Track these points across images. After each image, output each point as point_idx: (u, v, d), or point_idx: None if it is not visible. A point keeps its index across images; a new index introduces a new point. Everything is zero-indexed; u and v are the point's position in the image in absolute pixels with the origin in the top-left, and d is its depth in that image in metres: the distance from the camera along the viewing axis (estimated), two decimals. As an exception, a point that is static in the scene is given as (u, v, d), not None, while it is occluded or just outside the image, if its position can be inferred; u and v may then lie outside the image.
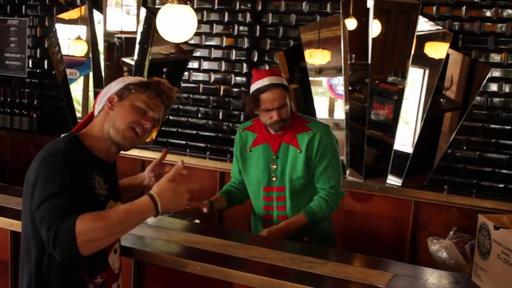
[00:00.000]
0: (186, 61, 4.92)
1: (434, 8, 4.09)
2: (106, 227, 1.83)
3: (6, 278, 2.78)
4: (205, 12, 4.84)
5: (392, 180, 4.16)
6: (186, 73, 4.96)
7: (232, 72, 4.81)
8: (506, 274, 2.01)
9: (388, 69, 4.19)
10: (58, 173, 1.88)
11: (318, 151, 2.88)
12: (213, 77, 4.89)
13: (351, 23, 4.15)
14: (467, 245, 2.44)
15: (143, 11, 4.86)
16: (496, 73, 3.98)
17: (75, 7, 5.21)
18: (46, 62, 5.50)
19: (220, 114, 4.87)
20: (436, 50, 4.03)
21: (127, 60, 5.02)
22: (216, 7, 4.80)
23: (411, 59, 4.05)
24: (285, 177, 2.91)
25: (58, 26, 5.26)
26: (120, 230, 1.91)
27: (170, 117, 5.04)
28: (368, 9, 4.15)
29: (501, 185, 4.01)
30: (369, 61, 4.13)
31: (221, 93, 4.86)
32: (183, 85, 4.97)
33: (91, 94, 5.13)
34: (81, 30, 5.05)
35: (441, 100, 4.09)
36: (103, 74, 5.04)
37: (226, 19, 4.78)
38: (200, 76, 4.93)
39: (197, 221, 2.92)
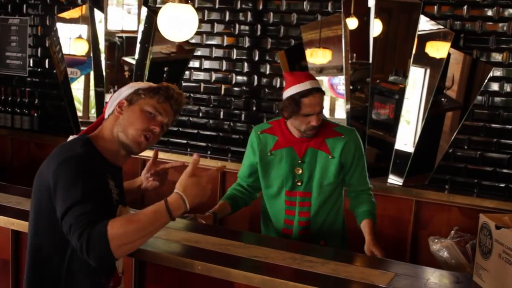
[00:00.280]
0: (187, 60, 4.92)
1: (435, 7, 4.09)
2: (137, 230, 1.86)
3: (7, 277, 2.79)
4: (206, 11, 4.84)
5: (393, 180, 4.15)
6: (187, 72, 4.95)
7: (233, 71, 4.81)
8: (507, 273, 2.01)
9: (389, 69, 4.19)
10: (79, 178, 1.89)
11: (354, 157, 2.85)
12: (214, 76, 4.88)
13: (352, 22, 4.15)
14: (468, 245, 2.44)
15: (144, 10, 4.86)
16: (498, 72, 3.98)
17: (76, 6, 5.21)
18: (47, 61, 5.50)
19: (221, 113, 4.87)
20: (437, 49, 4.02)
21: (128, 59, 5.02)
22: (217, 6, 4.80)
23: (412, 58, 4.04)
24: (313, 183, 2.84)
25: (59, 25, 5.26)
26: (151, 232, 1.93)
27: (171, 116, 5.03)
28: (369, 8, 4.15)
29: (502, 185, 4.01)
30: (370, 61, 4.13)
31: (222, 92, 4.86)
32: (184, 84, 4.97)
33: (92, 93, 5.13)
34: (82, 29, 5.05)
35: (442, 99, 4.08)
36: (104, 73, 5.05)
37: (227, 18, 4.78)
38: (201, 75, 4.93)
39: (202, 221, 2.88)
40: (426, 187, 4.09)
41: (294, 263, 2.33)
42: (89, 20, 5.07)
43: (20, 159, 5.28)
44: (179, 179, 2.00)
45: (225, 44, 4.82)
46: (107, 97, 5.00)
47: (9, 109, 5.43)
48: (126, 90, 2.13)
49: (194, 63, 4.94)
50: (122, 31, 5.01)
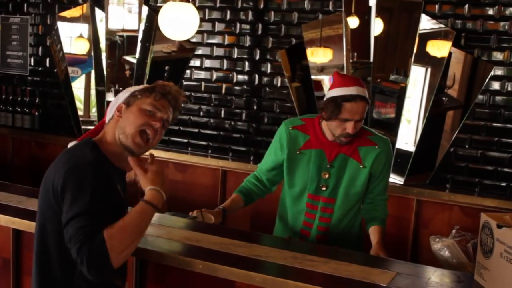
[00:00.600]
0: (188, 59, 4.92)
1: (436, 6, 4.08)
2: (130, 233, 1.92)
3: (8, 276, 2.79)
4: (207, 10, 4.84)
5: (394, 179, 4.15)
6: (188, 71, 4.95)
7: (234, 70, 4.81)
8: (508, 272, 2.01)
9: (390, 68, 4.18)
10: (88, 187, 1.90)
11: (384, 169, 2.82)
12: (215, 75, 4.88)
13: (353, 21, 4.14)
14: (469, 244, 2.43)
15: (145, 9, 4.85)
16: (499, 71, 3.97)
17: (77, 5, 5.21)
18: (48, 60, 5.50)
19: (222, 112, 4.86)
20: (439, 48, 4.02)
21: (129, 58, 5.02)
22: (218, 5, 4.80)
23: (413, 57, 4.04)
24: (339, 190, 2.78)
25: (60, 24, 5.25)
26: (142, 231, 1.99)
27: (172, 115, 5.03)
28: (370, 7, 4.15)
29: (504, 184, 4.01)
30: (371, 60, 4.13)
31: (223, 91, 4.86)
32: (185, 83, 4.97)
33: (92, 92, 5.13)
34: (83, 28, 5.05)
35: (444, 98, 4.08)
36: (105, 72, 5.04)
37: (228, 17, 4.78)
38: (202, 74, 4.93)
39: (211, 216, 2.84)
40: (427, 186, 4.08)
41: (295, 262, 2.33)
42: (90, 19, 5.07)
43: (21, 158, 5.29)
44: (141, 179, 2.09)
45: (226, 43, 4.82)
46: (108, 96, 5.00)
47: (10, 108, 5.43)
48: (123, 95, 2.16)
49: (195, 62, 4.93)
50: (123, 30, 5.01)
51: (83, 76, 5.21)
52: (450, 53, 3.97)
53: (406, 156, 4.11)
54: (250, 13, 4.70)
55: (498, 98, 4.01)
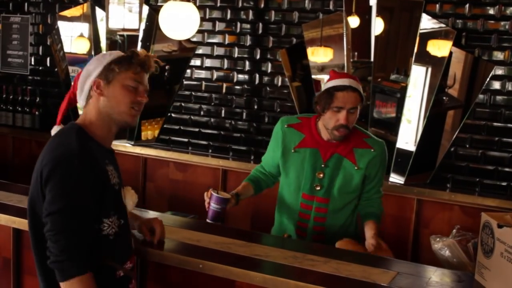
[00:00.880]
0: (188, 58, 4.92)
1: (437, 6, 4.08)
2: None
3: (9, 276, 2.79)
4: (207, 10, 4.84)
5: (395, 178, 4.15)
6: (188, 71, 4.95)
7: (234, 69, 4.81)
8: (509, 272, 2.01)
9: (390, 67, 4.18)
10: (71, 181, 1.91)
11: (378, 170, 2.83)
12: (215, 74, 4.88)
13: (354, 21, 4.14)
14: (470, 244, 2.43)
15: (145, 8, 4.85)
16: (499, 71, 3.97)
17: (78, 4, 5.21)
18: (48, 59, 5.50)
19: (223, 111, 4.86)
20: (439, 48, 4.02)
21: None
22: (218, 4, 4.80)
23: (414, 57, 4.04)
24: (333, 190, 2.79)
25: (61, 24, 5.26)
26: None
27: (173, 115, 5.04)
28: (371, 7, 4.15)
29: (504, 183, 4.01)
30: (372, 59, 4.13)
31: (224, 90, 4.86)
32: (185, 82, 4.97)
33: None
34: (84, 27, 5.05)
35: (444, 98, 4.08)
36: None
37: (228, 16, 4.78)
38: (202, 74, 4.93)
39: (226, 194, 2.82)
40: (428, 186, 4.08)
41: (295, 261, 2.33)
42: (91, 18, 5.07)
43: (21, 158, 5.29)
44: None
45: (226, 42, 4.82)
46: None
47: (11, 108, 5.43)
48: (96, 68, 2.08)
49: (196, 62, 4.93)
50: (124, 29, 5.01)
51: (84, 76, 5.20)
52: (450, 53, 3.97)
53: (407, 155, 4.11)
54: (250, 12, 4.69)
55: (498, 97, 4.00)
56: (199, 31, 4.54)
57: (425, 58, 4.05)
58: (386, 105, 4.17)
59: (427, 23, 4.04)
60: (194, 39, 4.85)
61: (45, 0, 5.46)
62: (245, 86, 4.76)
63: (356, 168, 2.78)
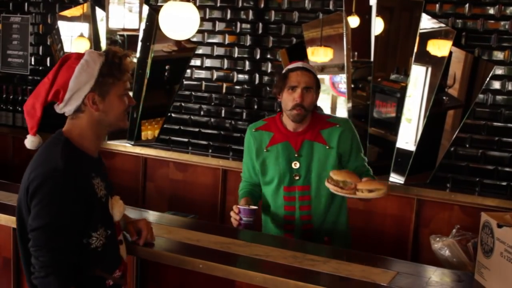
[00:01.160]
0: (188, 58, 4.92)
1: (437, 5, 4.08)
2: None
3: (9, 276, 2.79)
4: (207, 10, 4.84)
5: (395, 178, 4.15)
6: (188, 71, 4.95)
7: (234, 69, 4.81)
8: (509, 272, 2.01)
9: (390, 67, 4.18)
10: (56, 199, 1.91)
11: (352, 146, 2.85)
12: (215, 74, 4.88)
13: (354, 21, 4.14)
14: (470, 243, 2.43)
15: (145, 8, 4.85)
16: (499, 71, 3.97)
17: (78, 4, 5.21)
18: (48, 59, 5.50)
19: (223, 111, 4.86)
20: (439, 47, 4.02)
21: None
22: (218, 4, 4.80)
23: (414, 56, 4.04)
24: (312, 175, 2.83)
25: (61, 24, 5.26)
26: None
27: (173, 115, 5.04)
28: (370, 7, 4.14)
29: (504, 183, 4.00)
30: (372, 59, 4.12)
31: (224, 90, 4.86)
32: (185, 82, 4.97)
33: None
34: (84, 27, 5.05)
35: (444, 98, 4.08)
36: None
37: (228, 16, 4.78)
38: (202, 74, 4.93)
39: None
40: (428, 186, 4.08)
41: (295, 261, 2.33)
42: (91, 18, 5.07)
43: (21, 158, 5.28)
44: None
45: (226, 42, 4.82)
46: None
47: (11, 107, 5.43)
48: (88, 81, 2.01)
49: (196, 62, 4.93)
50: (124, 29, 5.01)
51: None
52: (450, 53, 3.97)
53: (407, 155, 4.11)
54: (250, 12, 4.69)
55: (498, 97, 4.00)
56: (199, 31, 4.54)
57: (425, 58, 4.05)
58: (386, 105, 4.18)
59: (427, 23, 4.04)
60: (194, 39, 4.84)
61: (45, 0, 5.46)
62: (245, 86, 4.76)
63: (327, 147, 2.83)
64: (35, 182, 1.94)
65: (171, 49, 4.90)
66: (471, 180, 4.10)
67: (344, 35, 4.16)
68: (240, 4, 4.72)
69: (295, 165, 2.84)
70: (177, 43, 4.85)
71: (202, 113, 4.94)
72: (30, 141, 2.10)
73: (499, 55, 3.97)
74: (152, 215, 2.91)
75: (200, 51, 4.90)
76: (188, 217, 2.95)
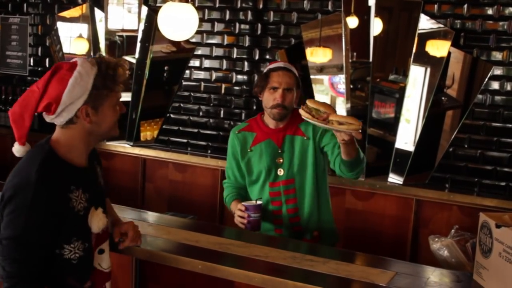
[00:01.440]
0: (187, 59, 4.92)
1: (435, 6, 4.09)
2: None
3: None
4: (206, 10, 4.84)
5: (394, 178, 4.15)
6: (187, 71, 4.96)
7: (233, 70, 4.81)
8: (507, 272, 2.01)
9: (389, 67, 4.18)
10: (24, 212, 1.89)
11: (332, 134, 2.77)
12: (214, 75, 4.88)
13: (353, 21, 4.14)
14: (468, 244, 2.44)
15: (144, 9, 4.85)
16: (498, 71, 3.98)
17: (77, 5, 5.21)
18: (47, 60, 5.50)
19: (222, 112, 4.87)
20: (438, 48, 4.02)
21: (128, 58, 5.01)
22: (217, 5, 4.80)
23: (412, 57, 4.04)
24: (294, 168, 2.87)
25: (60, 24, 5.26)
26: None
27: (172, 115, 5.04)
28: (369, 7, 4.14)
29: (503, 183, 4.01)
30: (371, 59, 4.12)
31: (222, 91, 4.86)
32: (184, 83, 4.97)
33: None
34: (83, 28, 5.05)
35: (443, 98, 4.08)
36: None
37: (227, 17, 4.78)
38: (201, 75, 4.93)
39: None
40: (427, 186, 4.08)
41: (294, 262, 2.34)
42: (90, 19, 5.07)
43: (21, 158, 5.27)
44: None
45: (225, 43, 4.82)
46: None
47: (10, 108, 5.42)
48: (82, 95, 1.97)
49: (195, 62, 4.94)
50: (123, 30, 5.01)
51: (83, 76, 5.20)
52: (449, 53, 3.97)
53: (406, 155, 4.11)
54: (249, 13, 4.70)
55: (497, 97, 4.01)
56: (198, 32, 4.54)
57: (423, 58, 4.05)
58: (385, 105, 4.18)
59: (425, 23, 4.04)
60: (193, 40, 4.85)
61: (44, 1, 5.46)
62: (244, 87, 4.76)
63: (305, 138, 2.87)
64: (8, 193, 1.93)
65: (170, 49, 4.90)
66: (470, 181, 4.10)
67: (343, 35, 4.16)
68: (239, 5, 4.72)
69: (279, 161, 2.90)
70: (176, 44, 4.85)
71: (201, 113, 4.95)
72: (18, 150, 2.10)
73: (497, 55, 3.98)
74: (151, 216, 2.92)
75: (199, 51, 4.91)
76: (187, 217, 2.95)
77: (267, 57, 4.67)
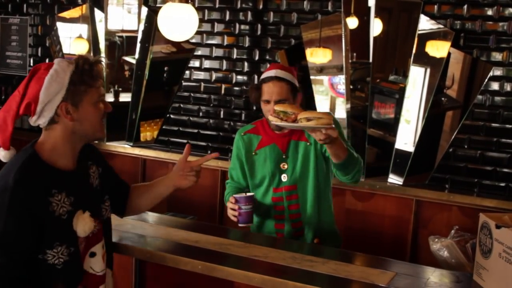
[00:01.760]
0: (187, 59, 4.92)
1: (435, 6, 4.09)
2: None
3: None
4: (206, 11, 4.84)
5: (393, 179, 4.15)
6: (187, 72, 4.96)
7: (233, 71, 4.81)
8: (507, 273, 2.01)
9: (389, 68, 4.19)
10: (2, 217, 1.87)
11: None
12: (214, 76, 4.89)
13: (352, 22, 4.14)
14: (468, 244, 2.44)
15: (144, 9, 4.86)
16: (498, 71, 3.98)
17: (76, 5, 5.21)
18: (47, 60, 5.50)
19: (221, 112, 4.87)
20: (438, 48, 4.02)
21: (128, 58, 5.02)
22: (217, 5, 4.80)
23: (412, 57, 4.04)
24: (297, 173, 2.84)
25: (60, 25, 5.26)
26: None
27: (171, 116, 5.04)
28: (369, 8, 4.15)
29: (503, 184, 4.01)
30: (371, 60, 4.13)
31: (222, 92, 4.86)
32: (184, 83, 4.97)
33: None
34: (82, 28, 5.05)
35: (443, 99, 4.08)
36: (104, 73, 5.05)
37: (227, 17, 4.78)
38: (201, 75, 4.93)
39: None
40: (426, 187, 4.09)
41: (294, 262, 2.34)
42: (89, 20, 5.07)
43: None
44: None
45: (225, 43, 4.82)
46: (107, 97, 4.99)
47: None
48: (58, 91, 1.95)
49: (195, 63, 4.94)
50: (122, 31, 5.01)
51: (83, 77, 5.20)
52: (449, 54, 3.97)
53: (405, 156, 4.11)
54: (249, 13, 4.70)
55: (497, 98, 4.01)
56: (198, 32, 4.54)
57: (423, 59, 4.06)
58: (384, 106, 4.18)
59: (425, 24, 4.05)
60: (193, 40, 4.85)
61: (44, 1, 5.46)
62: (244, 87, 4.76)
63: (308, 144, 2.83)
64: None
65: (170, 50, 4.90)
66: (470, 181, 4.10)
67: (343, 36, 4.16)
68: (238, 5, 4.72)
69: (283, 166, 2.86)
70: (176, 44, 4.85)
71: (201, 114, 4.95)
72: (3, 155, 2.05)
73: (497, 56, 3.98)
74: (151, 216, 2.92)
75: (199, 52, 4.91)
76: (187, 218, 2.95)
77: (267, 57, 4.67)
